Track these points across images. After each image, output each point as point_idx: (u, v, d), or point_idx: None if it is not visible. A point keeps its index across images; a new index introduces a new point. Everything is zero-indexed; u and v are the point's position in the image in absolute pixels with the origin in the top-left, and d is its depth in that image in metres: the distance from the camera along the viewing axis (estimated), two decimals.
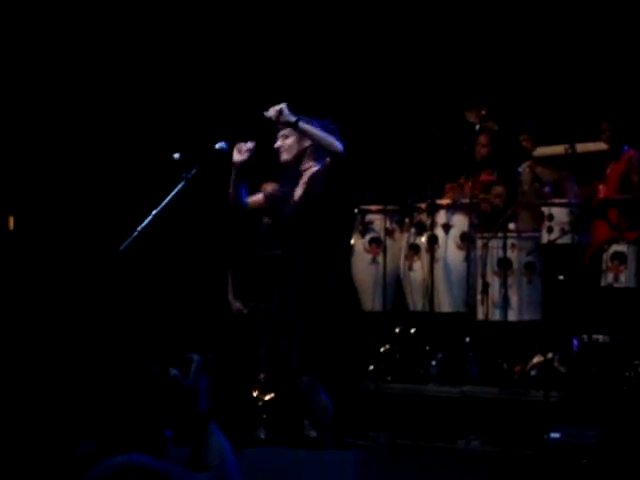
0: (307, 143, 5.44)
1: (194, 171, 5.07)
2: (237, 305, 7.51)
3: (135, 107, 7.95)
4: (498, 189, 7.98)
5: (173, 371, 2.87)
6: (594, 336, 7.04)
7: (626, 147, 7.65)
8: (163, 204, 4.96)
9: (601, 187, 7.71)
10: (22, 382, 6.89)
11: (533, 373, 7.15)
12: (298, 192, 5.55)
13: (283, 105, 5.30)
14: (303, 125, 5.28)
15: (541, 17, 8.59)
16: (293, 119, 5.26)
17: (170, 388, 2.83)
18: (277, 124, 5.34)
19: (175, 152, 5.11)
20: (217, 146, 5.22)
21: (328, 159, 5.33)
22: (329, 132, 5.35)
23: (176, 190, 5.01)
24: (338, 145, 5.28)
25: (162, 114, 8.08)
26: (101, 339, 7.00)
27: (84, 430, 2.89)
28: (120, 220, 5.43)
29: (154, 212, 4.94)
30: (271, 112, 5.29)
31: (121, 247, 4.88)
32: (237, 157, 5.39)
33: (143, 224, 4.91)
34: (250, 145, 5.42)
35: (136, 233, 4.89)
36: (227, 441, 2.90)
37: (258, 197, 5.70)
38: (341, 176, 5.39)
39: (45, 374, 7.11)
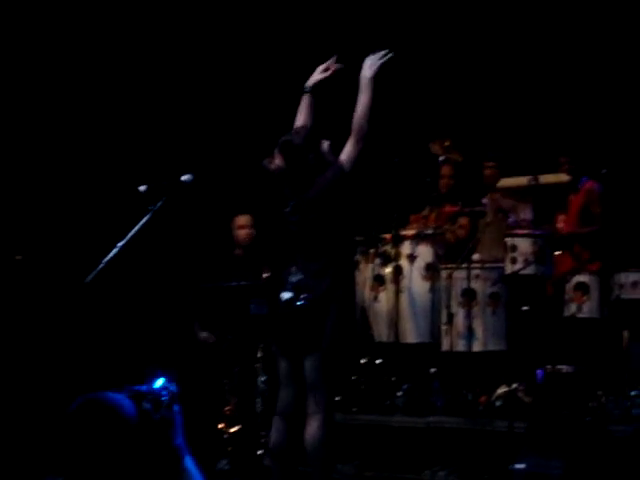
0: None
1: (160, 203, 5.07)
2: (204, 335, 7.50)
3: (101, 139, 7.94)
4: (462, 220, 8.03)
5: (146, 405, 2.80)
6: (558, 366, 7.08)
7: (585, 178, 7.71)
8: (129, 236, 4.96)
9: (561, 218, 7.78)
10: None
11: (498, 403, 7.17)
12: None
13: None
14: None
15: (503, 51, 8.68)
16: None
17: (142, 421, 2.76)
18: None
19: (141, 184, 5.12)
20: (183, 178, 5.22)
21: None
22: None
23: (142, 222, 5.01)
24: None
25: (128, 146, 8.07)
26: (67, 370, 6.95)
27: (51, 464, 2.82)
28: (86, 252, 5.40)
29: (119, 244, 4.94)
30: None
31: (87, 279, 4.88)
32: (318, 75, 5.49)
33: (109, 256, 4.91)
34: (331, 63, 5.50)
35: (102, 265, 4.89)
36: (202, 476, 2.84)
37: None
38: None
39: (13, 405, 7.03)
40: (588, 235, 7.55)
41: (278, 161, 5.46)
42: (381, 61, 5.42)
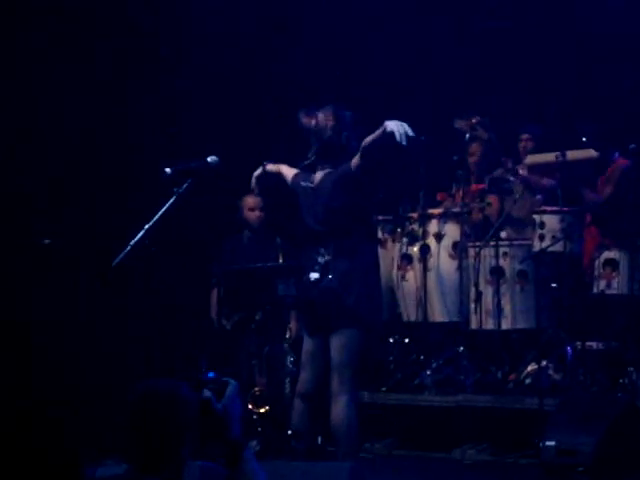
0: None
1: (186, 185, 5.08)
2: (221, 322, 7.48)
3: (128, 121, 7.96)
4: (490, 198, 7.99)
5: (207, 393, 2.74)
6: (588, 343, 7.06)
7: (617, 154, 7.63)
8: (155, 219, 4.98)
9: (590, 195, 7.73)
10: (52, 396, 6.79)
11: (527, 381, 7.16)
12: None
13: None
14: None
15: (527, 26, 8.62)
16: None
17: (202, 411, 2.70)
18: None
19: (167, 167, 5.13)
20: (209, 160, 5.23)
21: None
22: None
23: (168, 205, 5.02)
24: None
25: (154, 128, 8.07)
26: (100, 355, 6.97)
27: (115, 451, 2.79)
28: (113, 235, 5.42)
29: (146, 227, 4.95)
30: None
31: (114, 262, 4.89)
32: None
33: (136, 239, 4.92)
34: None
35: (129, 248, 4.90)
36: (262, 470, 2.79)
37: None
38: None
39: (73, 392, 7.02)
40: (592, 206, 7.47)
41: (320, 119, 5.50)
42: (400, 129, 5.33)
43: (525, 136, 8.10)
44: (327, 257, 5.47)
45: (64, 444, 5.25)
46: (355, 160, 5.43)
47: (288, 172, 5.77)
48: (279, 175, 5.83)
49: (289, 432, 6.55)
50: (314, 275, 5.49)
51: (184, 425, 2.68)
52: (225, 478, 2.73)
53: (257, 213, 7.62)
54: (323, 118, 5.53)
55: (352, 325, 5.38)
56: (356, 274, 5.42)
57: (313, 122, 5.56)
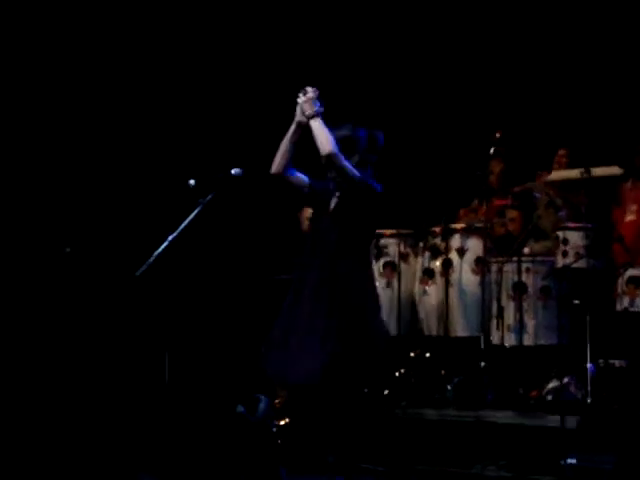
0: None
1: (210, 197, 5.11)
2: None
3: (152, 133, 8.00)
4: (512, 213, 7.97)
5: (240, 408, 2.75)
6: (610, 361, 7.02)
7: None
8: (179, 229, 5.00)
9: (618, 211, 7.73)
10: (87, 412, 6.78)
11: (549, 398, 7.13)
12: (332, 203, 5.46)
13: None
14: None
15: (559, 41, 8.63)
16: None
17: (238, 425, 2.70)
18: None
19: (191, 178, 5.15)
20: (233, 172, 5.24)
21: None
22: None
23: (192, 216, 5.05)
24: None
25: (178, 140, 8.11)
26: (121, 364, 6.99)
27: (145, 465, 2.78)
28: (137, 245, 5.44)
29: (170, 238, 4.98)
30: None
31: (138, 272, 4.91)
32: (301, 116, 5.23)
33: (159, 249, 4.94)
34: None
35: (152, 258, 4.92)
36: None
37: (303, 178, 5.39)
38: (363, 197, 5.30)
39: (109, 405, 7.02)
40: None
41: None
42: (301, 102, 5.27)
43: (562, 151, 8.10)
44: None
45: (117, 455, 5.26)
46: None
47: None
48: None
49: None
50: None
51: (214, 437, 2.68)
52: None
53: None
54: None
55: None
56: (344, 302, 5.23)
57: None
